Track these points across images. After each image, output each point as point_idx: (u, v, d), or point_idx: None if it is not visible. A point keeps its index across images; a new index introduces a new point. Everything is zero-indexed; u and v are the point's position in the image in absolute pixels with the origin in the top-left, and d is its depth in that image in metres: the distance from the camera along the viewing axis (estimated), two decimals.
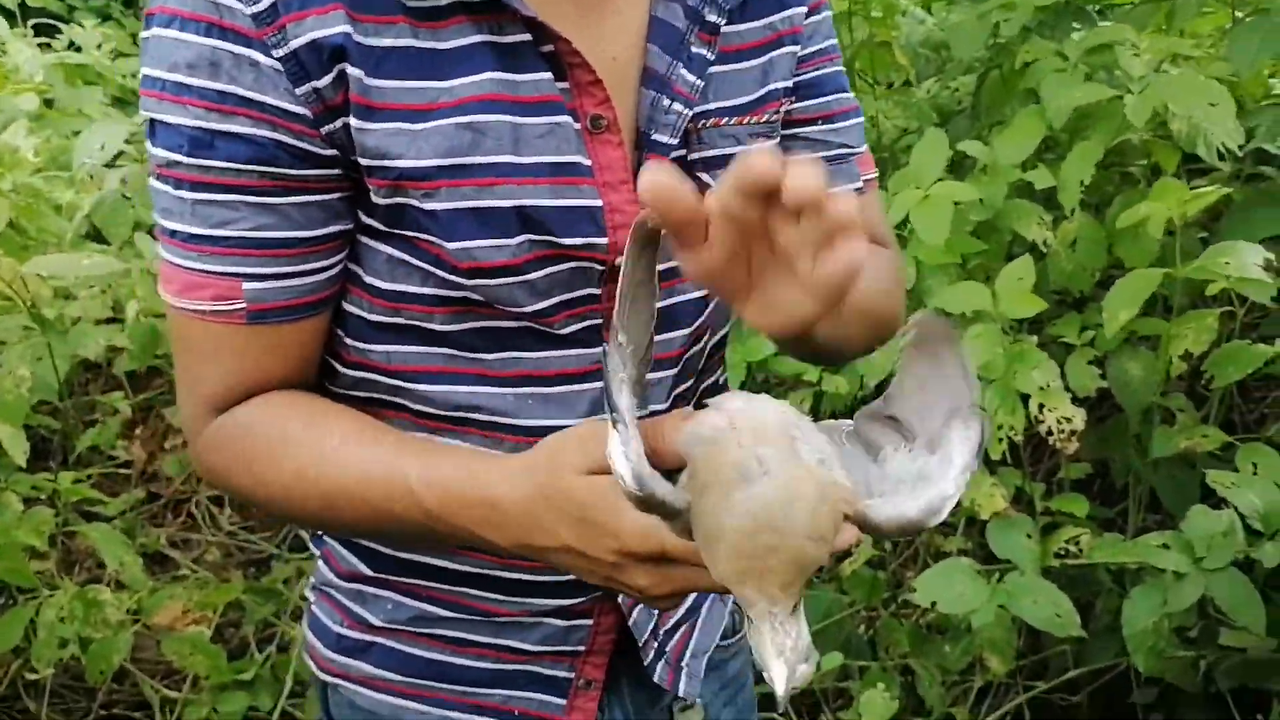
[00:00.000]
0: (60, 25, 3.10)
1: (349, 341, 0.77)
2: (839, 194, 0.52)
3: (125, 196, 2.03)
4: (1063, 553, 1.55)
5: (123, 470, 2.49)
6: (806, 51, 0.83)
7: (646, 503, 0.56)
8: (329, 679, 0.87)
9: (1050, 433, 1.47)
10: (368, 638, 0.85)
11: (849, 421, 0.65)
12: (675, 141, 0.74)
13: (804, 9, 0.82)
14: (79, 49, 2.75)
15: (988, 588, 1.47)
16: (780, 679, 0.52)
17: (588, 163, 0.71)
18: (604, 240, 0.72)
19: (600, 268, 0.73)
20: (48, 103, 2.42)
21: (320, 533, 0.88)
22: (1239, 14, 1.56)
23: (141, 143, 2.36)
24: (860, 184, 0.88)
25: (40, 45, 2.88)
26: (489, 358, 0.75)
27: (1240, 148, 1.42)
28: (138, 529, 2.28)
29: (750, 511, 0.52)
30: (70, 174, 2.06)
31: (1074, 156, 1.51)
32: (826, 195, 0.51)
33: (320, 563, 0.89)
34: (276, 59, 0.65)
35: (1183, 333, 1.51)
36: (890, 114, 1.99)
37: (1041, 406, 1.47)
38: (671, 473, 0.59)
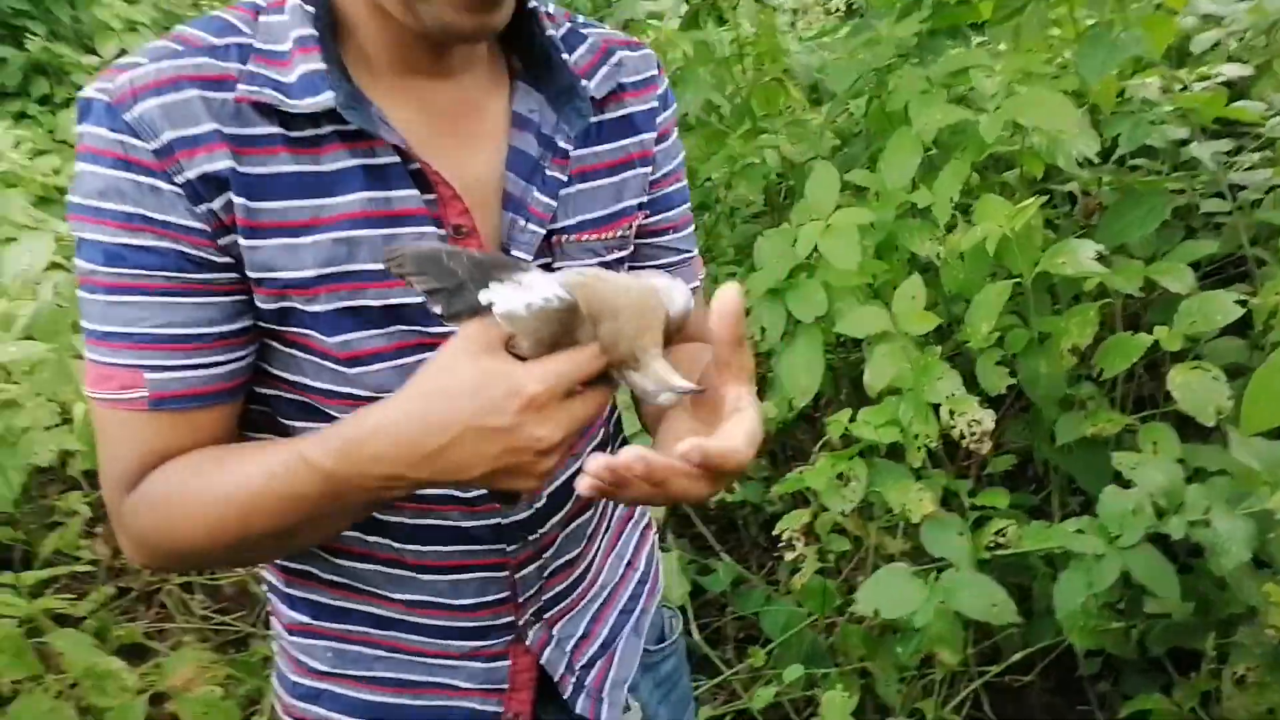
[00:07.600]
0: None
1: (269, 412, 0.86)
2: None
3: (60, 305, 2.08)
4: (993, 544, 1.64)
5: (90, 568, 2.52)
6: (657, 175, 0.96)
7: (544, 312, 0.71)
8: None
9: (963, 436, 1.56)
10: (318, 685, 0.96)
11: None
12: (531, 258, 0.85)
13: (654, 134, 0.94)
14: None
15: (925, 587, 1.55)
16: (683, 384, 0.71)
17: None
18: None
19: None
20: None
21: (258, 565, 0.95)
22: (1090, 22, 1.66)
23: (66, 248, 2.40)
24: (697, 283, 1.03)
25: None
26: None
27: (1101, 154, 1.52)
28: (111, 625, 2.31)
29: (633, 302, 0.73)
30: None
31: (944, 175, 1.61)
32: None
33: (273, 617, 0.99)
34: (177, 185, 0.75)
35: (1067, 328, 1.61)
36: (788, 142, 2.08)
37: (952, 413, 1.56)
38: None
